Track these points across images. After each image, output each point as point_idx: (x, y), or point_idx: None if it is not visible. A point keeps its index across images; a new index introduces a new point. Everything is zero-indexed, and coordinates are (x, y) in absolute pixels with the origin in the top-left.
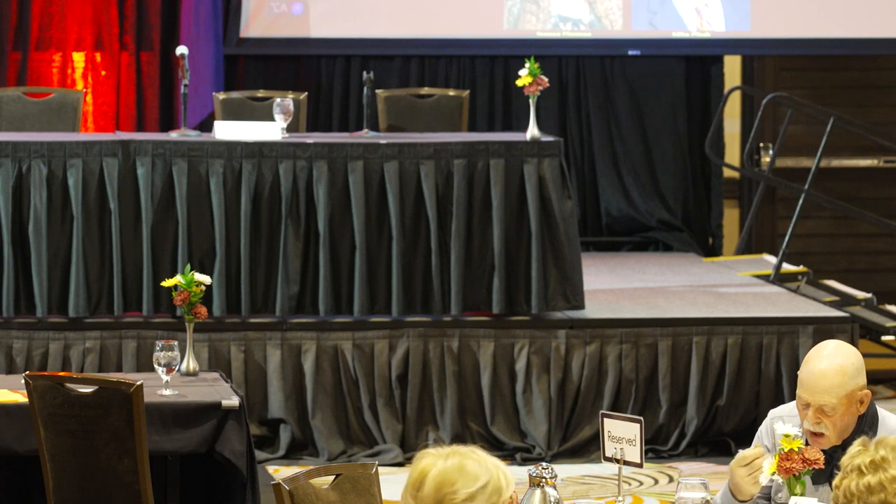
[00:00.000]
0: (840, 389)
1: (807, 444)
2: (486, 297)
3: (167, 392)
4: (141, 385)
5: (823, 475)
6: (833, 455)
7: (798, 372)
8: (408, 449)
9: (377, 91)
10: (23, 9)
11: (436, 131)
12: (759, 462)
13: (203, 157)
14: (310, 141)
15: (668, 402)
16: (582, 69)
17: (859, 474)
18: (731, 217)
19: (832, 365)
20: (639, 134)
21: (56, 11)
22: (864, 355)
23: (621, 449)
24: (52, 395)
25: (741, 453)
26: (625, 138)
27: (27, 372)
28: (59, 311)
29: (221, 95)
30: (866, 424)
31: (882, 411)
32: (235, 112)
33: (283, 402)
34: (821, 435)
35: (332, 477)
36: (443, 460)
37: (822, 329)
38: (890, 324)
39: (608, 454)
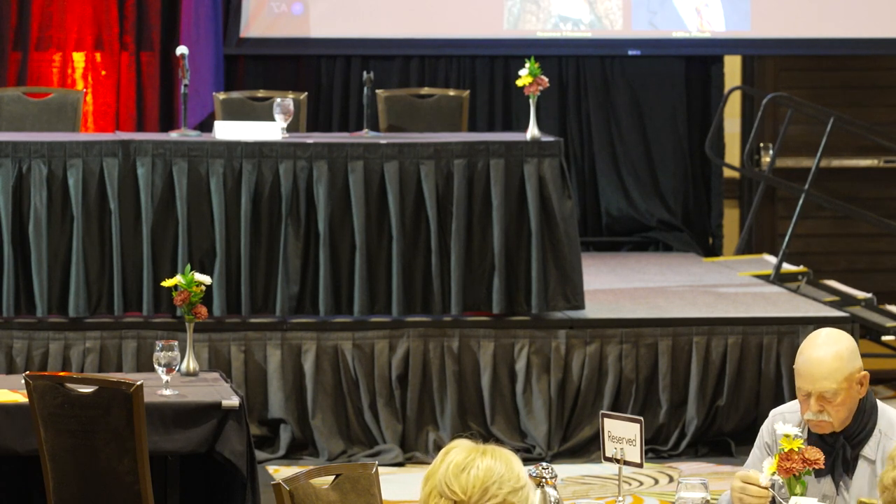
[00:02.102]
0: (839, 374)
1: (809, 433)
2: (486, 297)
3: (167, 392)
4: (141, 385)
5: (826, 466)
6: (833, 445)
7: (794, 365)
8: (408, 449)
9: (377, 91)
10: (23, 9)
11: (436, 131)
12: (751, 489)
13: (203, 157)
14: (310, 141)
15: (668, 402)
16: (582, 69)
17: (892, 468)
18: (731, 217)
19: (828, 351)
20: (639, 134)
21: (56, 11)
22: (864, 355)
23: (621, 449)
24: (52, 395)
25: (747, 472)
26: (625, 138)
27: (27, 372)
28: (59, 311)
29: (221, 95)
30: (867, 412)
31: (880, 402)
32: (235, 112)
33: (283, 402)
34: (823, 423)
35: (332, 477)
36: (483, 456)
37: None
38: (890, 324)
39: (608, 454)
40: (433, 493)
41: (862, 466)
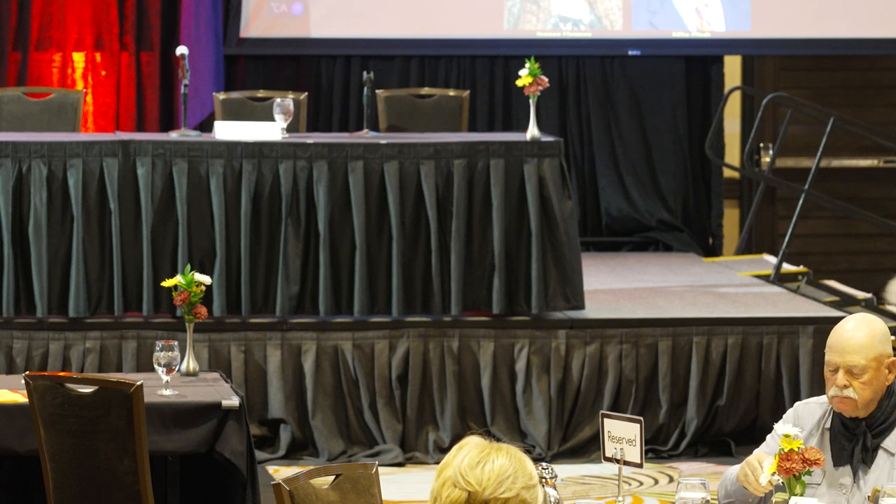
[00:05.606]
0: (869, 350)
1: (833, 417)
2: (486, 297)
3: (167, 392)
4: (141, 385)
5: (845, 454)
6: (855, 432)
7: (826, 343)
8: (408, 449)
9: (377, 91)
10: (23, 9)
11: (436, 131)
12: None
13: (203, 157)
14: (310, 141)
15: (668, 402)
16: (582, 69)
17: None
18: (731, 217)
19: (861, 329)
20: (639, 134)
21: (56, 11)
22: None
23: (621, 449)
24: (52, 395)
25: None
26: (625, 138)
27: (27, 372)
28: (59, 311)
29: (221, 95)
30: (892, 403)
31: None
32: (235, 112)
33: (283, 402)
34: (847, 399)
35: (332, 477)
36: (498, 452)
37: (822, 329)
38: (890, 324)
39: (608, 454)
40: (447, 483)
41: (882, 457)
